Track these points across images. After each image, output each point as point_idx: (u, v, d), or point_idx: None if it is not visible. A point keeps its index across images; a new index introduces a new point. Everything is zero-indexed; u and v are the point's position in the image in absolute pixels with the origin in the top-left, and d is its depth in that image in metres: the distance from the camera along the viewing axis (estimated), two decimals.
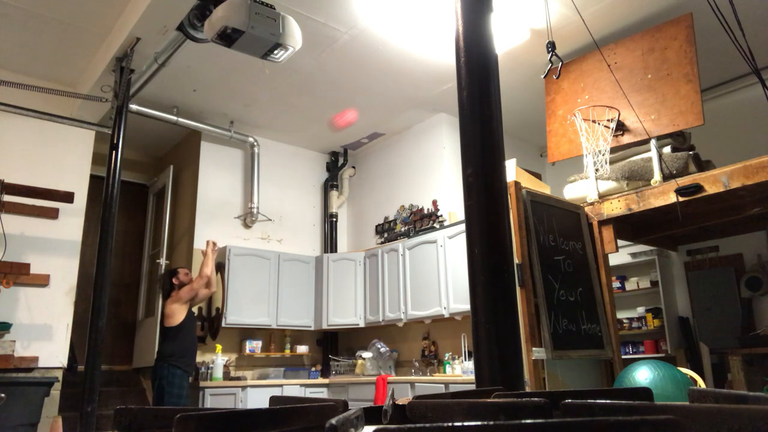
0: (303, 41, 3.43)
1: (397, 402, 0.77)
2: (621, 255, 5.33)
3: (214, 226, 5.88)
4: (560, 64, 3.74)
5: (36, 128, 4.64)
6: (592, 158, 4.06)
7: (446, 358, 5.18)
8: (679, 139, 4.07)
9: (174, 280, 4.83)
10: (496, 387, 1.17)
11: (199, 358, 5.23)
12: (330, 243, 6.66)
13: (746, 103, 5.09)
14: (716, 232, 5.01)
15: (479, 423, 0.50)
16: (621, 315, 5.55)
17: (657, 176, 3.85)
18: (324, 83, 5.24)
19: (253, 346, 5.79)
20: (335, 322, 6.00)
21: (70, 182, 4.71)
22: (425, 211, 5.87)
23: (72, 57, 4.51)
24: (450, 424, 0.50)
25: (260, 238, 6.21)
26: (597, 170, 4.09)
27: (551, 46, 3.52)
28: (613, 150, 4.11)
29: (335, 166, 6.94)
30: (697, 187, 3.58)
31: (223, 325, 5.47)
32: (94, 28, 4.14)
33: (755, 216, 3.95)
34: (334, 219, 6.77)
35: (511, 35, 4.44)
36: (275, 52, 3.37)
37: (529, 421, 0.50)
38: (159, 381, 4.44)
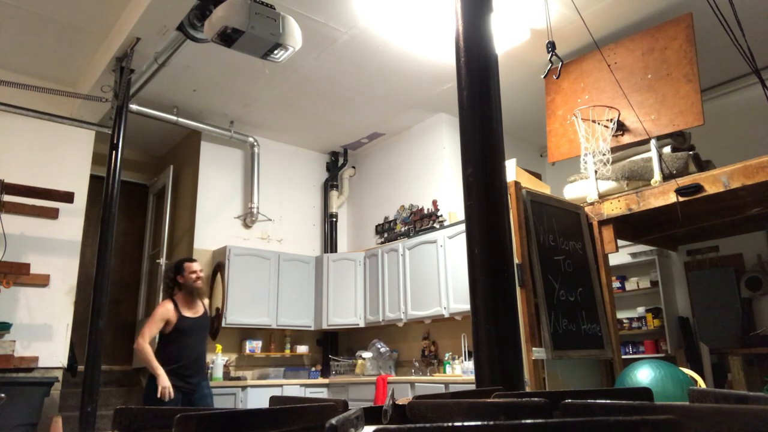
0: (303, 41, 3.43)
1: (397, 402, 0.77)
2: (621, 255, 5.32)
3: (214, 226, 5.88)
4: (560, 64, 3.74)
5: (36, 128, 4.64)
6: (592, 158, 4.06)
7: (446, 358, 5.18)
8: (679, 139, 4.07)
9: (179, 278, 4.00)
10: (496, 387, 1.17)
11: None
12: (330, 243, 6.67)
13: (746, 103, 5.09)
14: (716, 232, 5.01)
15: (479, 423, 0.50)
16: (621, 315, 5.55)
17: (657, 176, 3.85)
18: (324, 83, 5.24)
19: (253, 346, 5.79)
20: (335, 322, 6.00)
21: (70, 182, 4.71)
22: (425, 211, 5.87)
23: (72, 57, 4.51)
24: (450, 424, 0.50)
25: (260, 238, 6.21)
26: (596, 171, 4.09)
27: (551, 46, 3.52)
28: (613, 150, 4.11)
29: (335, 166, 6.94)
30: (697, 187, 3.58)
31: (223, 325, 5.47)
32: (94, 28, 4.14)
33: (755, 216, 3.95)
34: (334, 219, 6.77)
35: (511, 35, 4.44)
36: (275, 52, 3.37)
37: (529, 421, 0.50)
38: (144, 392, 3.93)
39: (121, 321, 6.26)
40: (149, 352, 3.75)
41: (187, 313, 3.97)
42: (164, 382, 3.66)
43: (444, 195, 5.72)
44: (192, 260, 4.15)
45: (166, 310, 3.90)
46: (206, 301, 4.25)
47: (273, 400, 0.93)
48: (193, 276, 4.02)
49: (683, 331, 5.48)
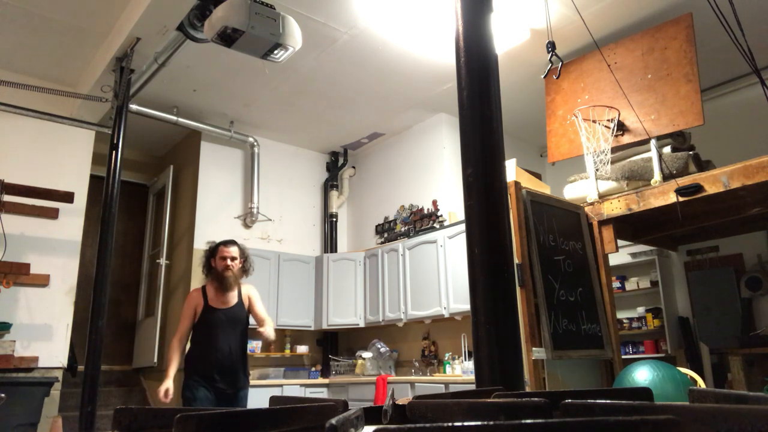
0: (303, 41, 3.43)
1: (397, 402, 0.77)
2: (621, 255, 5.33)
3: (214, 226, 5.88)
4: (560, 64, 3.74)
5: (36, 128, 4.64)
6: (593, 158, 4.06)
7: (446, 358, 5.18)
8: (679, 139, 4.07)
9: (212, 262, 3.62)
10: (496, 387, 1.17)
11: None
12: (330, 243, 6.66)
13: (746, 103, 5.09)
14: (716, 232, 5.01)
15: (479, 423, 0.50)
16: (621, 315, 5.55)
17: (657, 176, 3.85)
18: (324, 83, 5.24)
19: (253, 346, 5.78)
20: (335, 322, 6.00)
21: (70, 182, 4.71)
22: (425, 211, 5.87)
23: (72, 57, 4.51)
24: (450, 424, 0.50)
25: (260, 238, 6.21)
26: (597, 170, 4.09)
27: (551, 46, 3.52)
28: (613, 150, 4.11)
29: (335, 166, 6.94)
30: (697, 187, 3.58)
31: None
32: (94, 28, 4.14)
33: (755, 216, 3.95)
34: (334, 219, 6.77)
35: (511, 35, 4.44)
36: (275, 52, 3.37)
37: (529, 421, 0.50)
38: None
39: (121, 321, 6.26)
40: (172, 349, 3.45)
41: (216, 303, 3.54)
42: (165, 384, 3.34)
43: (444, 195, 5.72)
44: (230, 244, 3.63)
45: (191, 297, 3.57)
46: (249, 289, 3.70)
47: (273, 400, 0.93)
48: (222, 263, 3.55)
49: (683, 331, 5.48)
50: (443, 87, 5.35)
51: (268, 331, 3.64)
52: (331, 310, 6.02)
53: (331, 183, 6.86)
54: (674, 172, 3.77)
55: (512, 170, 3.76)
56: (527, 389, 3.01)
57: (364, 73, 5.09)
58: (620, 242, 4.23)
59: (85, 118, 4.71)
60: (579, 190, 4.32)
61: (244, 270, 3.68)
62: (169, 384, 3.35)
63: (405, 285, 5.56)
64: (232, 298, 3.61)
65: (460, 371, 4.93)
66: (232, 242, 3.67)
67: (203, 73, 5.04)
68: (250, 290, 3.74)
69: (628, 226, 4.38)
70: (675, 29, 4.08)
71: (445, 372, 5.13)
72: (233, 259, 3.58)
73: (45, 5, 3.91)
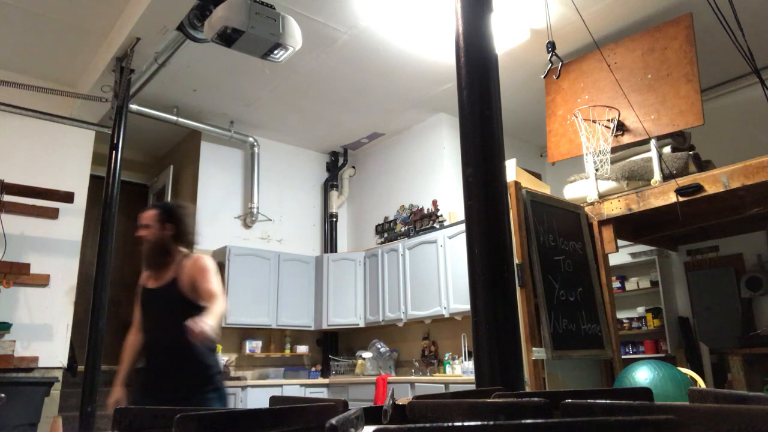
0: (303, 41, 3.43)
1: (397, 402, 0.77)
2: (621, 255, 5.33)
3: (214, 226, 5.88)
4: (560, 64, 3.74)
5: (36, 128, 4.64)
6: (592, 158, 4.06)
7: (446, 358, 5.18)
8: (679, 139, 4.07)
9: None
10: (496, 387, 1.17)
11: None
12: (330, 243, 6.67)
13: (746, 103, 5.08)
14: (716, 232, 5.02)
15: (479, 423, 0.50)
16: (621, 315, 5.55)
17: (657, 176, 3.85)
18: (324, 83, 5.24)
19: (253, 346, 5.79)
20: (335, 322, 6.00)
21: (70, 182, 4.71)
22: (425, 211, 5.87)
23: (72, 57, 4.51)
24: (450, 424, 0.50)
25: (260, 238, 6.21)
26: (597, 170, 4.09)
27: (551, 46, 3.52)
28: (613, 150, 4.11)
29: (335, 166, 6.94)
30: (697, 187, 3.58)
31: (222, 325, 5.46)
32: (94, 28, 4.14)
33: (755, 216, 3.94)
34: (334, 219, 6.77)
35: (511, 35, 4.44)
36: (275, 52, 3.37)
37: (529, 421, 0.50)
38: None
39: (121, 321, 6.24)
40: (124, 348, 2.72)
41: (148, 282, 2.74)
42: (113, 393, 2.58)
43: (444, 195, 5.72)
44: (148, 209, 2.85)
45: (141, 277, 2.73)
46: (194, 261, 2.62)
47: (273, 400, 0.93)
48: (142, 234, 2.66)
49: (683, 331, 5.48)
50: (443, 87, 5.35)
51: (201, 325, 2.21)
52: (331, 310, 6.02)
53: (331, 183, 6.86)
54: (674, 172, 3.77)
55: (512, 170, 3.76)
56: (527, 389, 3.01)
57: (364, 73, 5.09)
58: (620, 242, 4.23)
59: (85, 118, 4.71)
60: (579, 190, 4.32)
61: (176, 237, 2.70)
62: (117, 392, 2.61)
63: (405, 285, 5.56)
64: (170, 273, 2.65)
65: (460, 371, 4.93)
66: (153, 206, 2.86)
67: (203, 73, 5.04)
68: (195, 262, 2.60)
69: (628, 226, 4.38)
70: (675, 29, 4.08)
71: (445, 372, 5.13)
72: (146, 227, 2.73)
73: (45, 5, 3.91)
